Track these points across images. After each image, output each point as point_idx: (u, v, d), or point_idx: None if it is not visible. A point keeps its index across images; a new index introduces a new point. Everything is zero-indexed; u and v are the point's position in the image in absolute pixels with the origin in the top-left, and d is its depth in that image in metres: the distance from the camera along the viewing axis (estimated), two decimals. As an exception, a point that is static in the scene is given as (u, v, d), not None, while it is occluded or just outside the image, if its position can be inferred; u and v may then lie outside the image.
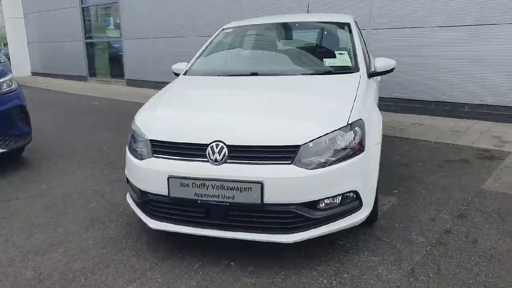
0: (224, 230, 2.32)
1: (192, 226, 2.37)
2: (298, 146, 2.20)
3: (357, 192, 2.33)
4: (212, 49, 3.71)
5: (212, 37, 3.84)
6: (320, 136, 2.24)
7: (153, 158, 2.42)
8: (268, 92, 2.83)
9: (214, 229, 2.33)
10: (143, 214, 2.55)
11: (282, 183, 2.17)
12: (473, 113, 5.92)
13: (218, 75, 3.27)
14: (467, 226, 2.81)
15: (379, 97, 4.93)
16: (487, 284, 2.16)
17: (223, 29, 3.94)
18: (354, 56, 3.17)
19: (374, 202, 2.55)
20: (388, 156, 4.37)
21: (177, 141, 2.37)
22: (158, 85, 10.02)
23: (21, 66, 15.12)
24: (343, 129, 2.30)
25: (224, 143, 2.26)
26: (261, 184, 2.15)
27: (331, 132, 2.27)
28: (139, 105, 3.14)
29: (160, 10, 9.88)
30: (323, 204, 2.27)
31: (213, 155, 2.25)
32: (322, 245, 2.57)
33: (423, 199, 3.27)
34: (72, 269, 2.45)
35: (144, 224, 2.53)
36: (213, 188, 2.23)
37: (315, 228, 2.26)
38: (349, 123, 2.33)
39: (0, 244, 2.78)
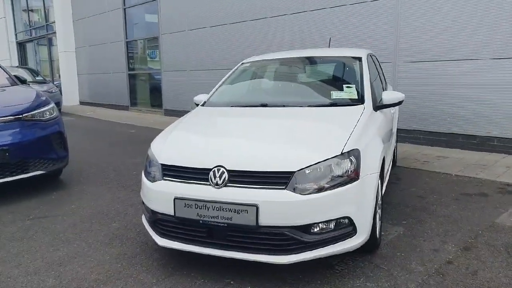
0: (224, 249, 2.49)
1: (195, 245, 2.55)
2: (292, 173, 2.36)
3: (351, 218, 2.44)
4: (230, 81, 3.99)
5: (231, 71, 4.13)
6: (315, 163, 2.39)
7: (162, 181, 2.67)
8: (271, 122, 3.04)
9: (215, 248, 2.51)
10: (153, 232, 2.77)
11: (276, 207, 2.32)
12: (502, 147, 5.80)
13: (231, 106, 3.52)
14: (470, 258, 2.80)
15: (397, 129, 4.98)
16: (478, 315, 2.17)
17: (242, 63, 4.23)
18: (361, 89, 3.33)
19: (373, 230, 2.63)
20: (404, 188, 4.39)
21: (183, 165, 2.61)
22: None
23: (71, 96, 16.33)
24: (338, 157, 2.45)
25: (225, 168, 2.46)
26: (256, 207, 2.32)
27: (326, 160, 2.42)
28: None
29: (196, 46, 10.49)
30: (317, 229, 2.39)
31: (215, 179, 2.46)
32: (320, 269, 2.67)
33: (431, 230, 3.28)
34: (88, 280, 2.69)
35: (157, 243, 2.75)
36: (213, 209, 2.42)
37: (308, 251, 2.38)
38: (344, 152, 2.47)
39: (30, 255, 3.09)
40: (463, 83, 6.04)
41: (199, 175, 2.54)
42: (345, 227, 2.45)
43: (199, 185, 2.51)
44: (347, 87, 3.40)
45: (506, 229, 3.27)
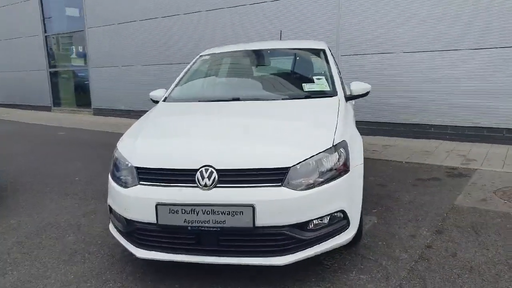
0: (216, 256, 2.29)
1: (183, 254, 2.33)
2: (287, 168, 2.24)
3: (345, 211, 2.39)
4: (190, 75, 3.75)
5: (190, 64, 3.89)
6: (308, 158, 2.30)
7: (139, 186, 2.39)
8: (252, 117, 2.89)
9: (205, 255, 2.30)
10: (129, 244, 2.48)
11: (274, 206, 2.19)
12: (439, 133, 6.23)
13: (199, 101, 3.30)
14: (445, 240, 2.92)
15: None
16: (472, 295, 2.25)
17: (200, 55, 4.00)
18: (331, 81, 3.31)
19: (360, 221, 2.62)
20: (363, 177, 4.49)
21: (165, 167, 2.36)
22: (129, 114, 9.93)
23: (-20, 97, 14.52)
24: (328, 151, 2.38)
25: (214, 168, 2.27)
26: (253, 207, 2.17)
27: (317, 154, 2.34)
28: (108, 135, 3.13)
29: (128, 40, 9.88)
30: (313, 225, 2.30)
31: (203, 180, 2.25)
32: (311, 266, 2.59)
33: (401, 217, 3.38)
34: (55, 306, 2.33)
35: (129, 255, 2.48)
36: (203, 213, 2.22)
37: (306, 249, 2.28)
38: (334, 144, 2.41)
39: (-29, 284, 2.61)
40: (403, 75, 6.38)
41: (184, 177, 2.31)
42: (339, 221, 2.40)
43: (185, 188, 2.28)
44: (318, 78, 3.36)
45: (466, 210, 3.48)
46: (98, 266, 2.77)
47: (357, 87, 3.37)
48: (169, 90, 3.62)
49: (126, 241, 2.50)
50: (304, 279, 2.47)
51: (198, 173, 2.28)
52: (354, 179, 2.48)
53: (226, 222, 2.20)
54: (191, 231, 2.27)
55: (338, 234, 2.39)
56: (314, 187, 2.27)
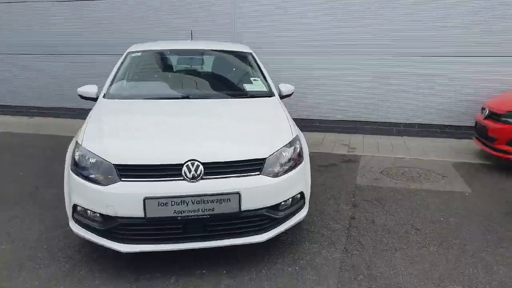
0: (203, 241, 2.52)
1: (171, 243, 2.49)
2: (264, 159, 2.61)
3: (303, 193, 2.87)
4: (124, 72, 3.74)
5: (121, 60, 3.86)
6: (277, 150, 2.70)
7: (121, 182, 2.45)
8: (213, 114, 3.13)
9: (192, 241, 2.51)
10: (109, 241, 2.51)
11: (256, 191, 2.53)
12: (324, 127, 7.24)
13: (146, 99, 3.36)
14: (363, 211, 3.66)
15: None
16: (394, 248, 2.97)
17: (129, 52, 3.99)
18: (267, 83, 3.75)
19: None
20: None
21: (150, 163, 2.47)
22: (29, 111, 8.65)
23: None
24: (290, 144, 2.82)
25: (199, 161, 2.48)
26: (239, 194, 2.47)
27: (283, 146, 2.76)
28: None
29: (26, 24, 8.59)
30: (283, 206, 2.72)
31: (190, 173, 2.45)
32: (271, 243, 3.00)
33: (321, 196, 4.03)
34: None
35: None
36: (193, 203, 2.43)
37: (278, 226, 2.69)
38: (293, 137, 2.87)
39: None
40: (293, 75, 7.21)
41: (169, 171, 2.47)
42: (298, 201, 2.86)
43: (172, 182, 2.45)
44: (254, 80, 3.76)
45: (366, 188, 4.33)
46: (61, 270, 2.68)
47: (285, 88, 3.89)
48: (105, 87, 3.56)
49: (105, 239, 2.52)
50: (270, 254, 2.87)
51: (184, 167, 2.46)
52: (306, 166, 2.97)
53: (215, 209, 2.46)
54: (178, 221, 2.45)
55: (298, 212, 2.86)
56: (283, 174, 2.68)
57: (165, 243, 2.49)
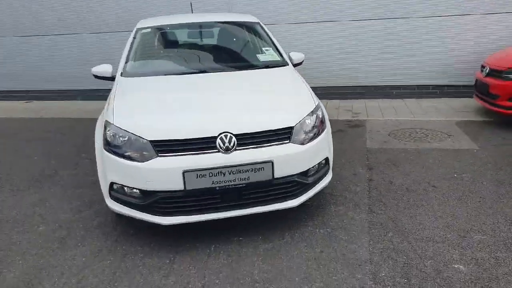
0: (239, 209, 2.63)
1: (209, 213, 2.59)
2: (292, 128, 2.69)
3: (328, 158, 2.98)
4: (137, 49, 3.73)
5: (131, 37, 3.83)
6: (303, 118, 2.78)
7: (159, 158, 2.52)
8: (236, 86, 3.18)
9: (230, 210, 2.62)
10: (149, 215, 2.60)
11: (287, 159, 2.63)
12: (324, 94, 7.31)
13: (165, 75, 3.38)
14: (379, 173, 3.80)
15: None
16: (416, 205, 3.13)
17: (139, 28, 3.95)
18: (278, 52, 3.78)
19: (330, 166, 3.25)
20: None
21: (185, 138, 2.53)
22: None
23: None
24: (313, 111, 2.90)
25: (232, 133, 2.56)
26: (272, 162, 2.57)
27: (308, 114, 2.84)
28: None
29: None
30: (311, 172, 2.83)
31: (224, 145, 2.53)
32: (298, 209, 3.11)
33: (338, 161, 4.14)
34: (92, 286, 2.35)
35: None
36: (229, 173, 2.52)
37: (308, 191, 2.82)
38: (316, 106, 2.94)
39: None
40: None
41: (204, 144, 2.54)
42: (324, 166, 2.98)
43: (208, 154, 2.52)
44: (266, 49, 3.78)
45: (377, 150, 4.45)
46: (108, 243, 2.79)
47: (296, 56, 3.92)
48: (120, 65, 3.55)
49: (145, 213, 2.61)
50: (300, 218, 3.01)
51: (218, 140, 2.54)
52: (329, 132, 3.07)
53: (250, 178, 2.55)
54: (216, 191, 2.54)
55: (325, 176, 2.98)
56: (310, 142, 2.77)
57: (204, 213, 2.60)
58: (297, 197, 2.75)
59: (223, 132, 2.56)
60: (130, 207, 2.67)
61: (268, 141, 2.63)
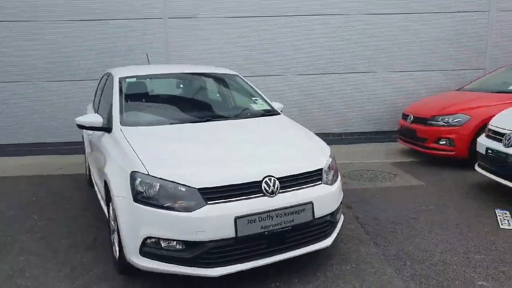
0: (281, 253, 2.65)
1: (256, 259, 2.56)
2: (321, 169, 2.88)
3: (342, 201, 3.20)
4: (129, 98, 3.58)
5: (117, 87, 3.62)
6: (326, 161, 3.00)
7: (208, 206, 2.45)
8: (255, 133, 3.31)
9: (273, 255, 2.63)
10: (195, 268, 2.47)
11: (323, 199, 2.79)
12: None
13: (171, 124, 3.30)
14: (359, 211, 4.13)
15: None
16: (411, 235, 3.49)
17: (123, 78, 3.76)
18: (266, 102, 3.99)
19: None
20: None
21: (233, 183, 2.52)
22: None
23: None
24: (331, 156, 3.14)
25: (275, 177, 2.63)
26: (312, 203, 2.69)
27: (328, 158, 3.07)
28: None
29: None
30: (337, 210, 3.01)
31: (269, 188, 2.58)
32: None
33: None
34: None
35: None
36: (277, 217, 2.57)
37: (335, 228, 2.99)
38: (331, 152, 3.20)
39: None
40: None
41: (250, 189, 2.56)
42: (342, 204, 3.19)
43: (255, 198, 2.54)
44: (255, 99, 3.96)
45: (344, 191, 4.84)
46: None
47: (278, 106, 4.17)
48: (115, 115, 3.32)
49: (189, 267, 2.46)
50: (321, 257, 3.11)
51: (263, 183, 2.59)
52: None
53: (294, 220, 2.63)
54: (264, 236, 2.55)
55: (341, 216, 3.19)
56: (335, 182, 2.99)
57: (251, 260, 2.56)
58: (329, 236, 2.89)
59: (267, 176, 2.62)
60: (170, 263, 2.48)
61: (306, 183, 2.76)
